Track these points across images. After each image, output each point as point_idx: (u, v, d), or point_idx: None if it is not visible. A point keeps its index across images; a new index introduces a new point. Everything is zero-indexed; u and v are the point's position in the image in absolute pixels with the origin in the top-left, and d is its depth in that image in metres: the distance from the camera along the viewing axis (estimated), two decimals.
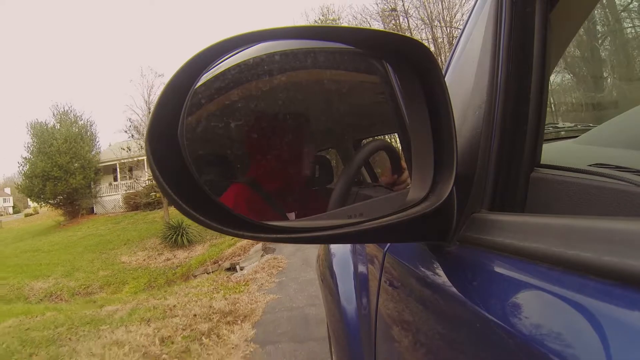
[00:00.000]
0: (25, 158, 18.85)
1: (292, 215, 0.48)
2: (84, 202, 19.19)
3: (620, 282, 0.21)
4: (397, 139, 0.53)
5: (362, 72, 0.52)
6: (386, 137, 0.58)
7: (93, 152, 19.87)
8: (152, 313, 3.74)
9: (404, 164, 0.51)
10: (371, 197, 0.52)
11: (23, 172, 18.99)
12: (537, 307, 0.28)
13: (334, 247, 1.11)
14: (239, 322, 3.15)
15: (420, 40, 0.43)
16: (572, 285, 0.25)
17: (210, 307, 3.63)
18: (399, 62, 0.45)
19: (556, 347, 0.23)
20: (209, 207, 0.35)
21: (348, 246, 1.00)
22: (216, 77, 0.40)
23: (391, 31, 0.49)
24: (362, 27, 0.51)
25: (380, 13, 16.39)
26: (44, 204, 19.72)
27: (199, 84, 0.37)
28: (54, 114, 19.57)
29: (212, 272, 6.91)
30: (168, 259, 10.42)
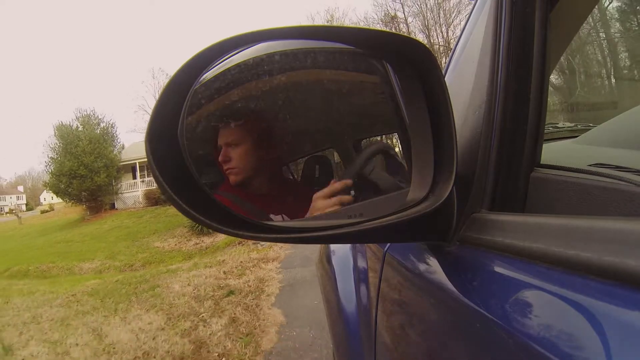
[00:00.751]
0: (51, 158, 20.34)
1: (279, 218, 0.46)
2: (106, 198, 20.72)
3: (621, 282, 0.21)
4: (397, 139, 0.53)
5: (362, 72, 0.51)
6: (386, 137, 0.58)
7: (115, 152, 21.32)
8: (210, 264, 5.76)
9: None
10: (371, 197, 0.52)
11: (50, 171, 20.49)
12: (537, 307, 0.28)
13: (334, 247, 1.11)
14: (270, 261, 5.49)
15: (420, 41, 0.43)
16: (572, 285, 0.25)
17: (250, 257, 5.87)
18: (399, 62, 0.45)
19: (556, 347, 0.23)
20: (209, 207, 0.35)
21: (348, 246, 1.00)
22: (216, 77, 0.40)
23: (391, 31, 0.49)
24: (362, 27, 0.51)
25: (382, 19, 16.56)
26: (68, 200, 21.20)
27: (199, 84, 0.37)
28: (77, 117, 21.10)
29: None
30: (197, 244, 11.40)
